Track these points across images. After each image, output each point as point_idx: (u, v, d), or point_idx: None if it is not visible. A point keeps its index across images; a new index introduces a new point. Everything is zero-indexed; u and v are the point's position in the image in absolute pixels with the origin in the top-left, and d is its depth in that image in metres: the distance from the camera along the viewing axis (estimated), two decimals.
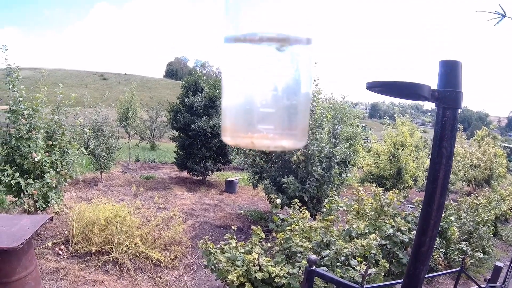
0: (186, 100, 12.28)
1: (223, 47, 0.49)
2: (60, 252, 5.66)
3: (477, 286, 2.05)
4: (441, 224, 7.17)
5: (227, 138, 0.51)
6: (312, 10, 0.46)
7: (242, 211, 9.59)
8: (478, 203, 10.14)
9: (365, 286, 1.68)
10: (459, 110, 0.97)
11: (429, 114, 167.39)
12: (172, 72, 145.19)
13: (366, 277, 3.49)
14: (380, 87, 0.95)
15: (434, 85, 0.95)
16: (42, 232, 6.20)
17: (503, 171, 18.46)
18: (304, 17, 0.46)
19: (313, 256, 1.45)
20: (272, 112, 0.47)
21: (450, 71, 0.96)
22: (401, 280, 2.40)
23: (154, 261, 5.66)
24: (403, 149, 13.99)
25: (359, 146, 14.46)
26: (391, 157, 14.04)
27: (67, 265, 5.29)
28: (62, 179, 6.68)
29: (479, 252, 7.58)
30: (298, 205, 5.16)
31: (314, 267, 1.47)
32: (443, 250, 6.89)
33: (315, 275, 1.46)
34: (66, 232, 6.10)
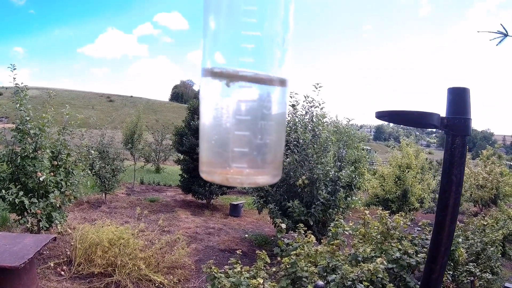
0: (191, 123, 12.36)
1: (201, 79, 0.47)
2: (62, 273, 5.60)
3: None
4: None
5: (204, 174, 0.49)
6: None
7: (246, 235, 9.48)
8: (485, 223, 9.99)
9: None
10: (468, 137, 0.96)
11: (434, 135, 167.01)
12: (178, 95, 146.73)
13: None
14: (388, 116, 0.97)
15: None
16: (45, 252, 6.16)
17: (510, 190, 18.25)
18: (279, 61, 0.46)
19: (321, 283, 1.44)
20: (245, 151, 0.46)
21: (458, 98, 0.96)
22: None
23: (157, 285, 5.58)
24: (408, 171, 13.91)
25: (364, 169, 14.39)
26: (397, 179, 13.95)
27: (68, 286, 5.23)
28: (66, 200, 6.68)
29: (487, 273, 7.41)
30: (303, 229, 5.11)
31: None
32: (451, 272, 6.75)
33: None
34: (68, 253, 6.05)
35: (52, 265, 5.71)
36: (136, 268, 5.56)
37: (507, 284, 2.43)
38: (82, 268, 5.64)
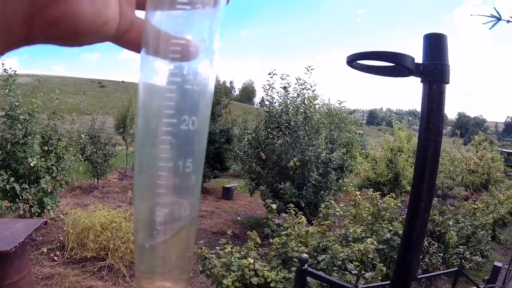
0: None
1: None
2: (55, 258, 5.62)
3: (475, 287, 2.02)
4: (439, 228, 7.15)
5: None
6: None
7: (239, 218, 9.56)
8: (476, 207, 10.14)
9: (359, 286, 1.66)
10: (446, 85, 0.91)
11: None
12: None
13: (362, 279, 3.48)
14: (359, 57, 0.92)
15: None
16: (38, 238, 6.16)
17: (501, 176, 18.55)
18: None
19: (305, 255, 1.43)
20: None
21: (434, 44, 0.91)
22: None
23: None
24: (400, 155, 14.03)
25: (357, 152, 14.48)
26: (389, 162, 14.07)
27: (62, 271, 5.24)
28: (58, 185, 6.65)
29: (477, 256, 7.55)
30: (294, 210, 5.15)
31: (306, 266, 1.44)
32: (441, 255, 6.86)
33: (307, 275, 1.42)
34: (61, 238, 6.06)
35: (45, 250, 5.72)
36: (128, 251, 5.59)
37: (496, 263, 2.46)
38: (75, 253, 5.66)
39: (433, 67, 0.89)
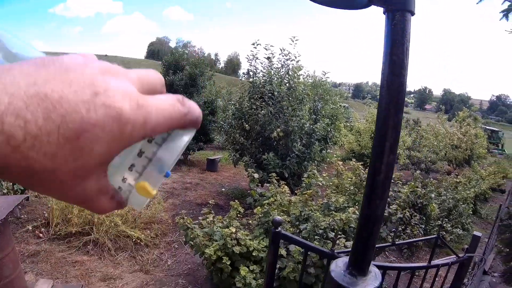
0: (166, 79, 12.18)
1: None
2: (41, 235, 5.60)
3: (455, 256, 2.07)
4: (421, 200, 7.30)
5: None
6: None
7: (223, 189, 9.62)
8: (458, 181, 10.35)
9: (336, 251, 1.68)
10: (411, 16, 0.83)
11: (412, 95, 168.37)
12: (154, 52, 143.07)
13: (343, 247, 3.55)
14: None
15: None
16: (22, 216, 6.12)
17: (484, 152, 18.89)
18: None
19: (278, 218, 1.44)
20: None
21: None
22: (381, 245, 2.41)
23: (134, 240, 5.66)
24: None
25: (341, 125, 14.57)
26: (373, 135, 14.11)
27: (47, 247, 5.24)
28: None
29: (458, 229, 7.76)
30: (276, 179, 5.19)
31: (279, 228, 1.43)
32: (423, 226, 7.03)
33: (280, 238, 1.41)
34: (46, 215, 6.02)
35: (30, 228, 5.69)
36: (113, 225, 5.60)
37: (475, 233, 2.51)
38: (59, 229, 5.63)
39: None
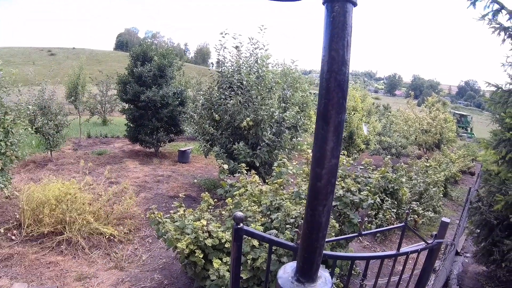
0: (134, 70, 12.02)
1: None
2: (13, 237, 5.52)
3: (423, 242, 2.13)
4: (392, 185, 7.51)
5: None
6: None
7: (195, 181, 9.66)
8: (428, 165, 10.70)
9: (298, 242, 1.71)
10: (353, 7, 0.77)
11: (382, 82, 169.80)
12: (123, 44, 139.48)
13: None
14: None
15: None
16: None
17: (453, 136, 19.56)
18: None
19: (240, 213, 1.46)
20: None
21: None
22: (346, 236, 2.50)
23: (108, 237, 5.66)
24: (354, 114, 14.36)
25: (312, 112, 14.70)
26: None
27: (20, 250, 5.18)
28: (8, 161, 6.44)
29: (430, 212, 8.02)
30: (245, 169, 5.25)
31: (241, 225, 1.41)
32: (395, 210, 7.25)
33: (243, 234, 1.41)
34: (17, 216, 5.93)
35: (2, 231, 5.59)
36: (85, 222, 5.58)
37: (443, 219, 2.61)
38: (31, 230, 5.57)
39: None
